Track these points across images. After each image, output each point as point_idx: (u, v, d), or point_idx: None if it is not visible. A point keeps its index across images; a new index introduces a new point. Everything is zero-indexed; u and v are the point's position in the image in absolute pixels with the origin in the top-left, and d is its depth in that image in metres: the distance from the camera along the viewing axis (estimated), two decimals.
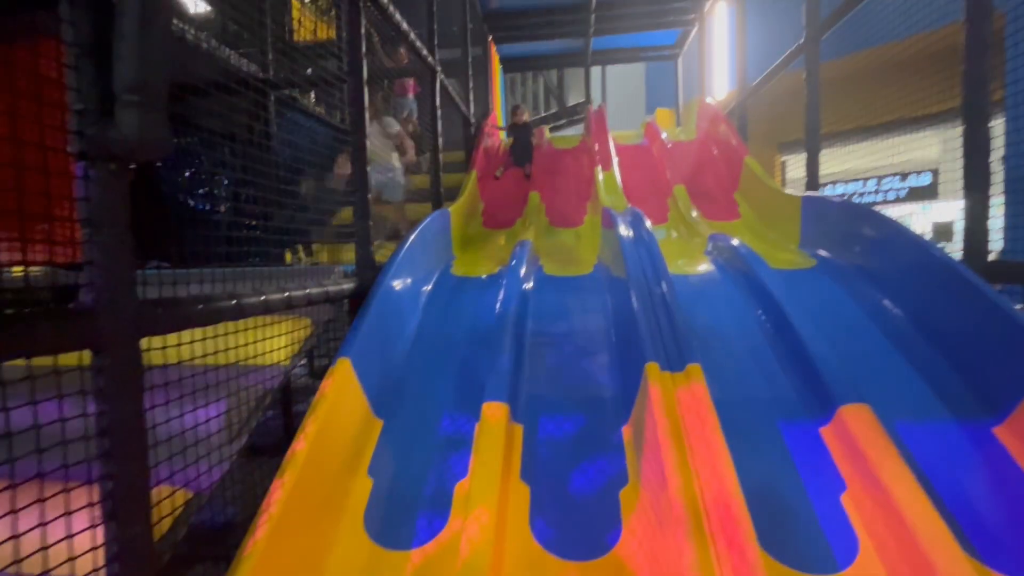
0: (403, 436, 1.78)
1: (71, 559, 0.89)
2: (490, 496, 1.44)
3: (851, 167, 4.17)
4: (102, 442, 0.95)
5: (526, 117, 4.66)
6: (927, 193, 8.16)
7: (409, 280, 2.36)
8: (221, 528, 1.74)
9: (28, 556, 0.85)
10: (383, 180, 3.55)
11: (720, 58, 6.26)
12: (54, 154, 1.01)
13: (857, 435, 1.52)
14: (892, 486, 1.37)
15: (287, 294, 1.50)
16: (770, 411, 1.72)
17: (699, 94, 5.86)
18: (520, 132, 4.58)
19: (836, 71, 3.56)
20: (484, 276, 2.87)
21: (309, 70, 4.89)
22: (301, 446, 1.41)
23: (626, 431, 1.71)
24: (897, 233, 2.16)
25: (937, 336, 1.86)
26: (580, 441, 1.73)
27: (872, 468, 1.43)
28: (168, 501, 1.09)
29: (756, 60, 4.54)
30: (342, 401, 1.64)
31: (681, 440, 1.37)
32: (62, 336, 0.87)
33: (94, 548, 0.94)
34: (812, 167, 3.17)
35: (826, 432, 1.62)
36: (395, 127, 3.77)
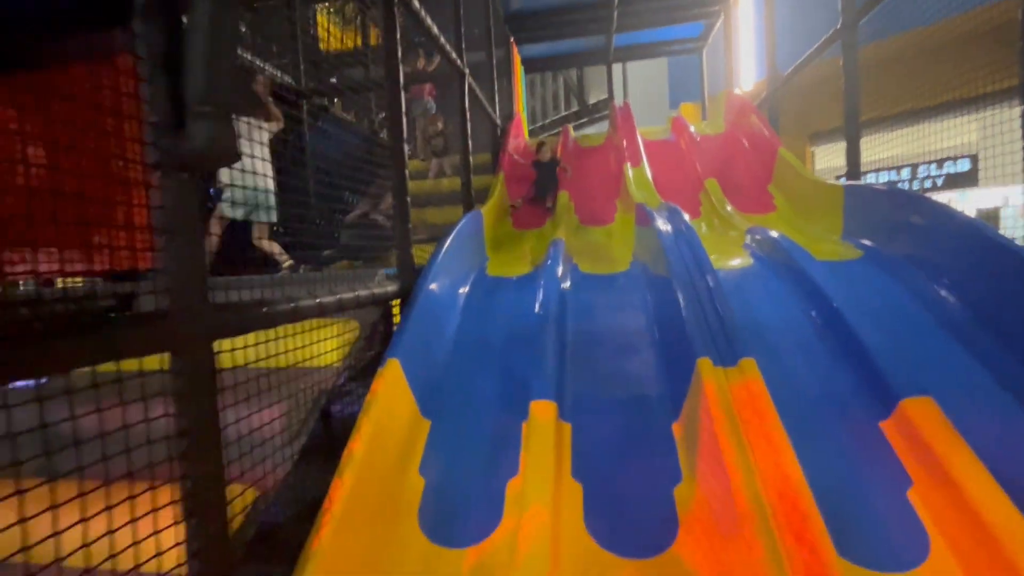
0: (451, 436, 1.79)
1: (158, 555, 0.92)
2: (544, 494, 1.44)
3: (884, 155, 4.05)
4: (180, 443, 0.99)
5: (552, 154, 4.45)
6: (966, 179, 7.85)
7: (447, 282, 2.38)
8: (271, 526, 1.78)
9: (118, 553, 0.88)
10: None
11: (747, 49, 6.14)
12: (112, 165, 1.06)
13: (921, 429, 1.47)
14: (963, 480, 1.33)
15: (338, 297, 1.53)
16: (825, 407, 1.68)
17: (726, 87, 5.77)
18: (545, 169, 4.34)
19: (866, 57, 3.46)
20: (518, 276, 2.87)
21: (334, 79, 4.99)
22: (358, 446, 1.43)
23: (676, 428, 1.69)
24: (949, 218, 2.08)
25: (998, 324, 1.79)
26: (630, 439, 1.71)
27: (939, 462, 1.39)
28: (240, 499, 1.12)
29: (784, 49, 4.45)
30: (393, 401, 1.66)
31: (740, 436, 1.34)
32: (144, 340, 0.91)
33: (177, 544, 0.97)
34: (852, 156, 3.08)
35: (887, 426, 1.57)
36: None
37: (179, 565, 0.98)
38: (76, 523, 0.83)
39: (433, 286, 2.17)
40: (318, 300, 1.42)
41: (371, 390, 1.61)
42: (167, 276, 0.96)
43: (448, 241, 2.45)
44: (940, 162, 8.21)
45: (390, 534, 1.48)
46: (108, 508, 0.86)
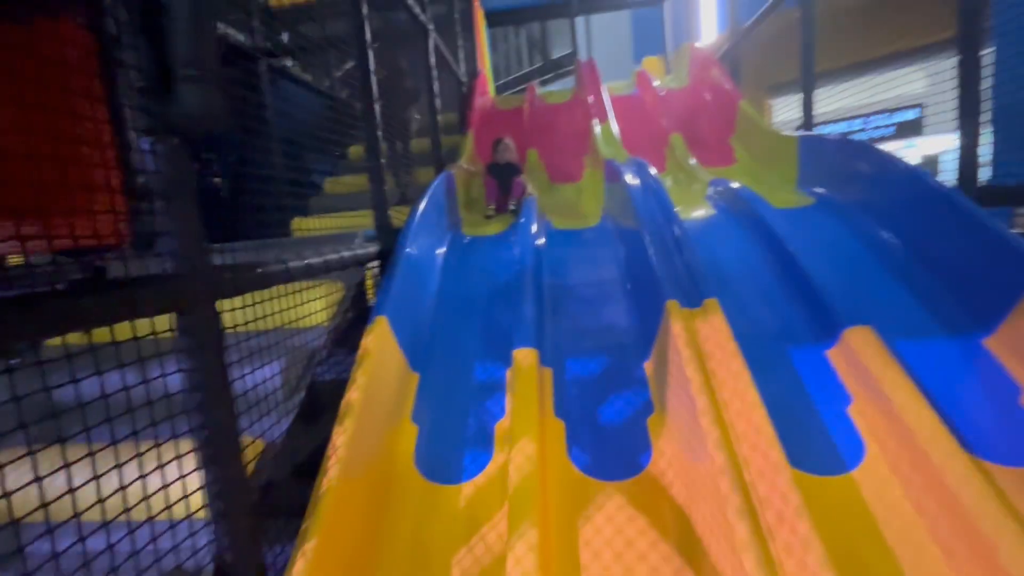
0: (439, 386, 1.90)
1: (184, 497, 1.00)
2: (531, 430, 1.57)
3: (839, 106, 4.20)
4: (194, 396, 1.05)
5: (511, 157, 3.64)
6: (913, 128, 8.19)
7: (426, 242, 2.44)
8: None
9: (144, 499, 0.96)
10: None
11: (708, 2, 6.14)
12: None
13: (860, 354, 1.66)
14: (894, 396, 1.52)
15: (324, 258, 1.58)
16: (779, 340, 1.85)
17: (688, 40, 5.79)
18: (502, 172, 3.57)
19: (820, 9, 3.55)
20: (494, 234, 2.95)
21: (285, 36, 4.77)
22: (355, 395, 1.52)
23: (648, 367, 1.85)
24: (892, 166, 2.25)
25: (931, 260, 1.99)
26: (606, 379, 1.86)
27: (875, 382, 1.58)
28: (250, 449, 1.20)
29: (745, 2, 4.50)
30: (383, 356, 1.75)
31: (703, 366, 1.49)
32: (155, 300, 0.95)
33: (199, 489, 1.05)
34: (807, 107, 3.22)
35: (832, 354, 1.76)
36: None
37: (201, 507, 1.07)
38: (103, 473, 0.90)
39: (413, 246, 2.22)
40: (306, 262, 1.47)
41: (362, 346, 1.68)
42: (170, 239, 1.00)
43: (424, 202, 2.49)
44: (891, 111, 8.50)
45: (389, 476, 1.60)
46: (138, 455, 0.93)
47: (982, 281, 1.77)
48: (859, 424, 1.57)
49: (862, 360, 1.64)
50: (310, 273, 1.49)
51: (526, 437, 1.54)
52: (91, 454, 0.87)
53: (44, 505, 0.79)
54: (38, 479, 0.79)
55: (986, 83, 2.28)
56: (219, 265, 1.10)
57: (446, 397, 1.86)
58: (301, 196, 3.36)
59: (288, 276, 1.37)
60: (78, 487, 0.83)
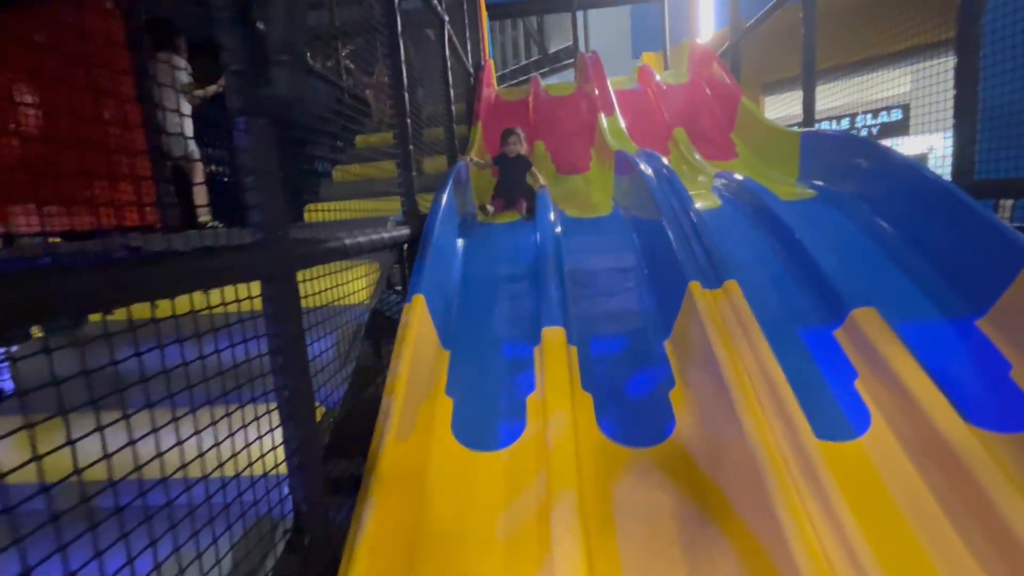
0: (471, 363, 2.00)
1: (272, 450, 1.09)
2: (564, 402, 1.69)
3: (827, 106, 4.33)
4: (276, 359, 1.14)
5: (521, 149, 3.40)
6: (898, 128, 8.42)
7: (449, 228, 2.52)
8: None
9: (232, 456, 1.05)
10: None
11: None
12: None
13: (866, 332, 1.79)
14: (897, 370, 1.66)
15: (370, 238, 1.67)
16: (790, 321, 1.98)
17: (688, 36, 5.91)
18: (512, 165, 3.35)
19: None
20: (508, 222, 3.04)
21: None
22: (402, 367, 1.61)
23: (668, 345, 1.97)
24: (890, 159, 2.40)
25: (928, 248, 2.13)
26: (629, 356, 1.98)
27: (880, 358, 1.72)
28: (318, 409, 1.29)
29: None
30: (421, 331, 1.84)
31: (728, 342, 1.62)
32: (244, 268, 1.04)
33: (279, 445, 1.14)
34: (808, 104, 3.36)
35: (839, 334, 1.89)
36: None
37: (282, 463, 1.16)
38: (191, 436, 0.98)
39: (439, 231, 2.31)
40: (357, 240, 1.55)
41: (403, 321, 1.78)
42: (259, 212, 1.08)
43: (447, 189, 2.57)
44: (876, 112, 8.72)
45: (430, 443, 1.69)
46: (227, 415, 1.01)
47: (975, 267, 1.92)
48: (865, 396, 1.71)
49: (867, 338, 1.78)
50: (359, 251, 1.58)
51: (560, 408, 1.66)
52: (175, 419, 0.94)
53: (154, 458, 0.87)
54: (154, 430, 0.87)
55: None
56: (296, 239, 1.18)
57: (477, 373, 1.96)
58: (315, 184, 3.42)
59: (345, 252, 1.45)
60: (171, 447, 0.90)
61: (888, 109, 8.49)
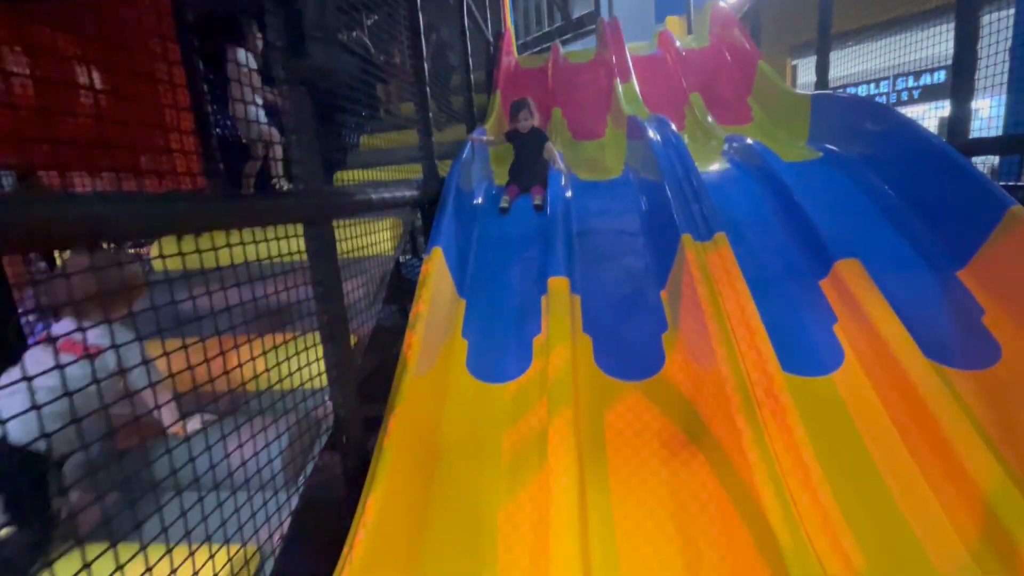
0: (484, 310, 2.23)
1: (308, 364, 1.35)
2: (564, 342, 1.90)
3: (865, 68, 4.21)
4: (317, 289, 1.38)
5: (534, 121, 3.13)
6: (940, 91, 8.04)
7: (466, 190, 2.72)
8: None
9: (291, 374, 1.30)
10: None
11: None
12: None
13: (848, 281, 1.94)
14: (873, 316, 1.81)
15: (394, 195, 1.89)
16: (780, 272, 2.13)
17: None
18: (525, 142, 3.08)
19: None
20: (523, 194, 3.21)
21: None
22: (422, 308, 1.85)
23: (663, 294, 2.15)
24: (895, 121, 2.46)
25: (921, 204, 2.23)
26: (627, 304, 2.17)
27: (858, 303, 1.86)
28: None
29: None
30: (439, 280, 2.07)
31: (712, 288, 1.79)
32: (295, 210, 1.27)
33: (319, 359, 1.40)
34: (822, 65, 3.37)
35: (824, 284, 2.04)
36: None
37: (321, 373, 1.42)
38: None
39: (457, 191, 2.51)
40: (383, 196, 1.77)
41: (423, 270, 2.01)
42: (298, 166, 1.30)
43: (464, 154, 2.76)
44: (917, 74, 8.31)
45: (447, 377, 1.94)
46: (285, 341, 1.26)
47: (960, 220, 2.02)
48: (841, 338, 1.87)
49: (848, 287, 1.92)
50: (384, 205, 1.80)
51: (561, 345, 1.87)
52: (236, 346, 1.19)
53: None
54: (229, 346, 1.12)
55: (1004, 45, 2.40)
56: (331, 190, 1.40)
57: (490, 318, 2.19)
58: (343, 153, 3.63)
59: (371, 205, 1.68)
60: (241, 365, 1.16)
61: (932, 71, 8.09)
